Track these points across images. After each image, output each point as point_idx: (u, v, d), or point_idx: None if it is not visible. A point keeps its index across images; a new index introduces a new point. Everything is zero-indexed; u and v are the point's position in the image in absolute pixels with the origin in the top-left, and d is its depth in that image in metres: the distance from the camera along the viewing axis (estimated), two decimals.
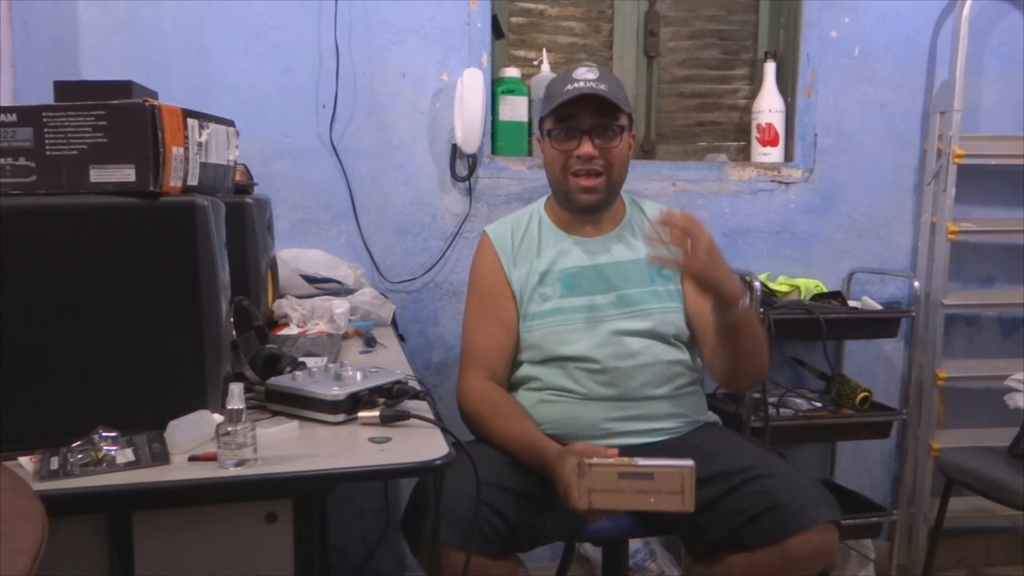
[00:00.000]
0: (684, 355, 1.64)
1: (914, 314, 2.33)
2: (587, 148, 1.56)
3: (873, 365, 2.47)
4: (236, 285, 1.21)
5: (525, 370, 1.63)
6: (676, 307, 1.64)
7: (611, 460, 1.29)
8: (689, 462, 1.26)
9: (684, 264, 1.35)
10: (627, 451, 1.48)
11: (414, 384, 1.21)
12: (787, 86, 2.38)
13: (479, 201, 2.23)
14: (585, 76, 1.56)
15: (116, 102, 1.00)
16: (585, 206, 1.62)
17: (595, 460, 1.28)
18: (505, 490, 1.40)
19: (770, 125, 2.33)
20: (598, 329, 1.59)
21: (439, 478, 1.22)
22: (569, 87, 1.55)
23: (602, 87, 1.54)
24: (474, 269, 1.71)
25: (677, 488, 1.25)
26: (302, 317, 1.72)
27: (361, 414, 1.11)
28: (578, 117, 1.56)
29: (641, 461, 1.28)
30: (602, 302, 1.61)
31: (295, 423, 1.09)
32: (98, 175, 0.99)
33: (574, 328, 1.60)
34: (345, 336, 1.69)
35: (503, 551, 1.38)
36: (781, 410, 2.19)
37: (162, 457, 0.94)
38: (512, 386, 1.66)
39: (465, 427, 1.60)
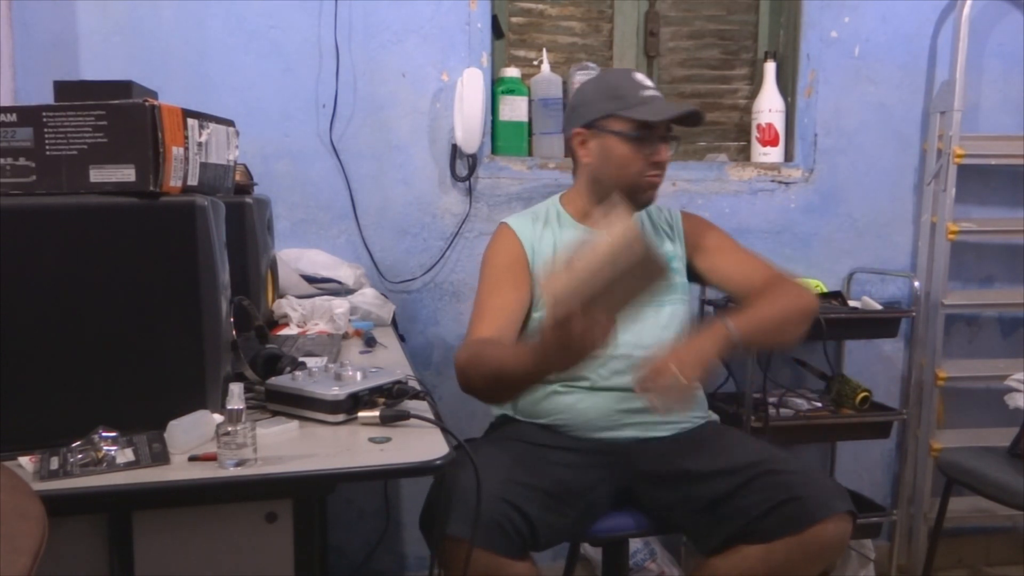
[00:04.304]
0: None
1: (914, 314, 2.33)
2: (666, 155, 1.63)
3: (873, 365, 2.47)
4: (236, 285, 1.21)
5: None
6: (681, 298, 1.69)
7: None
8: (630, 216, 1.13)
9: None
10: (635, 444, 1.51)
11: (414, 384, 1.21)
12: (787, 86, 2.38)
13: (479, 201, 2.23)
14: (648, 84, 1.64)
15: (116, 102, 1.00)
16: (648, 203, 1.68)
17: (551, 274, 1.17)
18: (526, 487, 1.39)
19: (770, 125, 2.33)
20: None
21: (452, 474, 1.22)
22: (645, 94, 1.61)
23: (688, 110, 1.62)
24: (493, 254, 1.68)
25: (623, 239, 1.10)
26: (302, 317, 1.72)
27: (361, 414, 1.10)
28: (658, 126, 1.62)
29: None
30: None
31: (295, 423, 1.09)
32: (98, 175, 0.99)
33: None
34: (345, 336, 1.69)
35: (522, 551, 1.37)
36: (781, 410, 2.19)
37: (162, 457, 0.94)
38: None
39: (467, 427, 1.60)
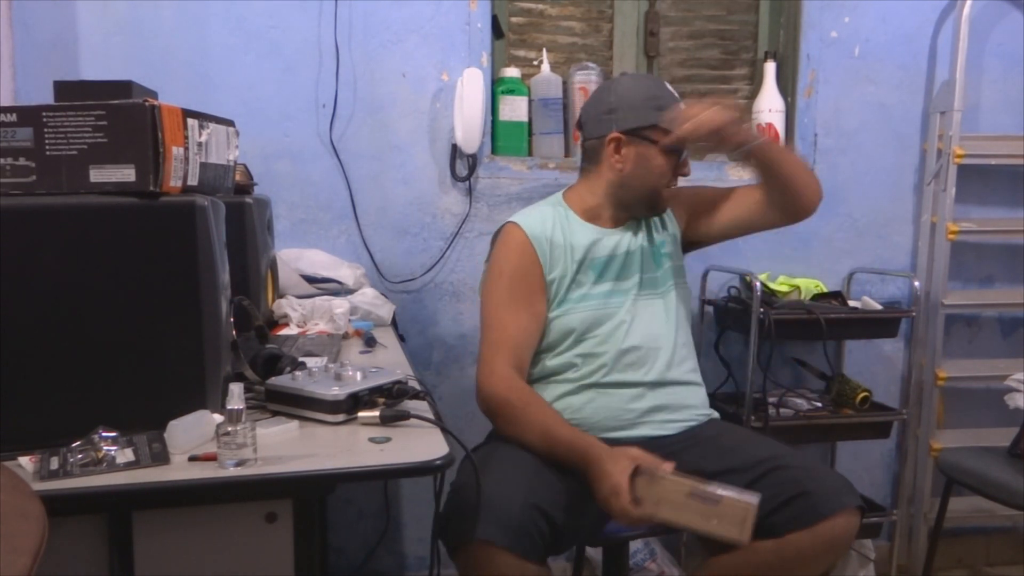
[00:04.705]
0: (691, 340, 1.74)
1: (914, 314, 2.33)
2: (690, 169, 1.69)
3: (873, 365, 2.47)
4: (236, 285, 1.21)
5: (554, 361, 1.63)
6: (682, 281, 1.74)
7: (683, 477, 1.32)
8: (755, 498, 1.29)
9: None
10: (646, 443, 1.51)
11: (414, 384, 1.21)
12: (787, 86, 2.38)
13: (479, 201, 2.23)
14: (678, 96, 1.67)
15: (116, 102, 1.00)
16: (663, 212, 1.73)
17: (666, 473, 1.31)
18: (550, 490, 1.39)
19: (770, 125, 2.33)
20: (627, 312, 1.63)
21: (474, 478, 1.22)
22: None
23: None
24: (503, 258, 1.65)
25: (739, 519, 1.27)
26: (302, 317, 1.72)
27: (361, 414, 1.10)
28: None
29: (711, 485, 1.30)
30: (628, 286, 1.66)
31: (295, 423, 1.09)
32: (98, 175, 0.99)
33: (608, 312, 1.63)
34: (345, 336, 1.69)
35: (545, 556, 1.36)
36: (781, 410, 2.19)
37: (162, 457, 0.94)
38: (538, 379, 1.65)
39: (468, 427, 1.60)
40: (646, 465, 1.34)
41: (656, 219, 1.74)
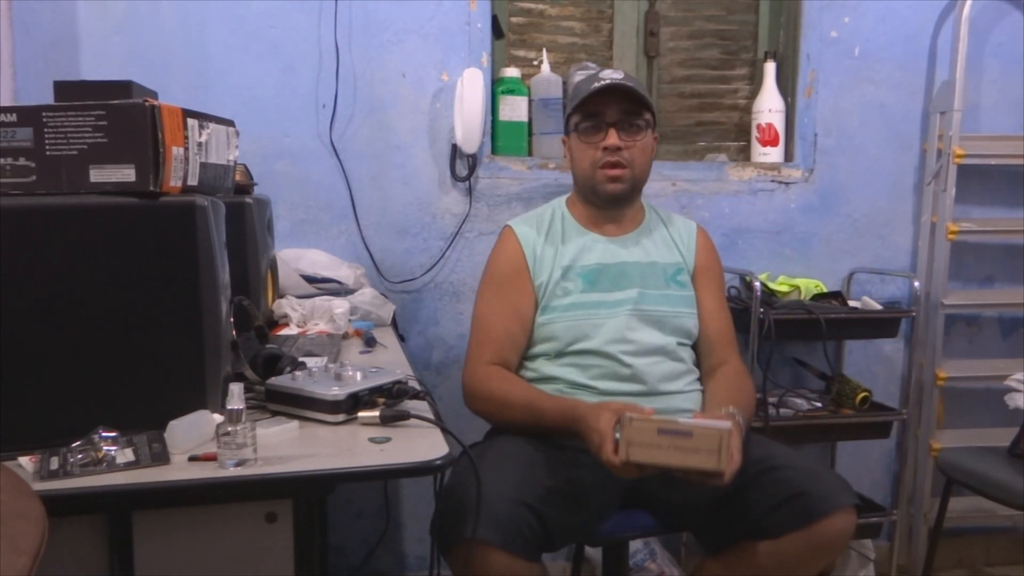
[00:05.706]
0: (692, 355, 1.70)
1: (914, 314, 2.33)
2: (613, 139, 1.62)
3: (873, 365, 2.47)
4: (236, 285, 1.21)
5: (541, 366, 1.63)
6: (689, 312, 1.69)
7: (651, 416, 1.30)
8: (727, 424, 1.26)
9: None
10: None
11: (414, 384, 1.21)
12: (787, 86, 2.38)
13: (479, 201, 2.23)
14: (611, 76, 1.63)
15: (116, 102, 1.00)
16: (612, 196, 1.66)
17: (635, 415, 1.29)
18: (542, 488, 1.39)
19: (770, 125, 2.33)
20: (618, 324, 1.61)
21: (468, 479, 1.22)
22: (597, 85, 1.62)
23: (627, 83, 1.62)
24: (494, 260, 1.70)
25: (714, 447, 1.24)
26: (302, 317, 1.72)
27: (361, 414, 1.11)
28: (605, 112, 1.63)
29: (681, 420, 1.28)
30: (622, 298, 1.64)
31: (295, 423, 1.09)
32: (98, 175, 0.99)
33: (595, 323, 1.61)
34: (345, 336, 1.69)
35: (538, 553, 1.37)
36: (781, 410, 2.19)
37: (162, 457, 0.94)
38: (530, 381, 1.65)
39: (467, 427, 1.60)
40: (625, 412, 1.31)
41: (678, 244, 1.73)
